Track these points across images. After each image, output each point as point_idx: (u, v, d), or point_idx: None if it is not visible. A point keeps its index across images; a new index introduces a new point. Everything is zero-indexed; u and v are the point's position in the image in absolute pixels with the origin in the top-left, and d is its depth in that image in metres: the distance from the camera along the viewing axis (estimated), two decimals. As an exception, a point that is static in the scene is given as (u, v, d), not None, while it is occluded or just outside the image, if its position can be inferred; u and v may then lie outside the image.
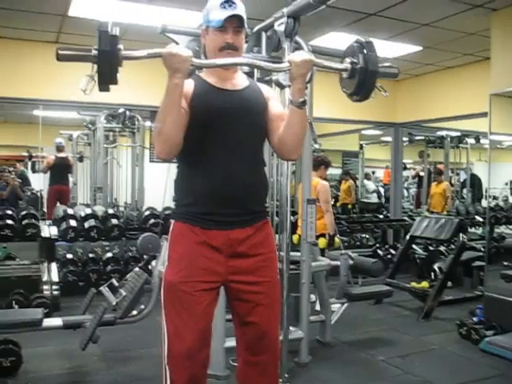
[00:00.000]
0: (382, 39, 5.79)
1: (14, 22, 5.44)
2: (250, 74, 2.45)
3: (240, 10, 2.02)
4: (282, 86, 3.34)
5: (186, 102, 1.98)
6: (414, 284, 5.83)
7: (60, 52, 1.85)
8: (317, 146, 2.63)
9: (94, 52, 1.80)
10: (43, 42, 5.99)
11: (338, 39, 5.67)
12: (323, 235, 5.24)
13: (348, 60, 2.14)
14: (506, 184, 10.44)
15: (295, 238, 4.61)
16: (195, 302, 2.01)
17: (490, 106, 4.71)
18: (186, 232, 2.06)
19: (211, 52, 2.09)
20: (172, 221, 2.14)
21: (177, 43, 3.60)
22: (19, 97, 5.91)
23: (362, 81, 2.10)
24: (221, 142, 2.03)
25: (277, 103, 2.22)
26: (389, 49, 6.11)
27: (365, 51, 2.09)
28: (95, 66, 1.81)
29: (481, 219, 7.94)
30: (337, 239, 5.34)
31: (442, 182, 9.27)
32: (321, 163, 5.69)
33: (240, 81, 2.17)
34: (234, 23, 2.02)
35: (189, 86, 2.00)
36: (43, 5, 4.93)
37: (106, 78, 1.83)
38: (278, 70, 2.09)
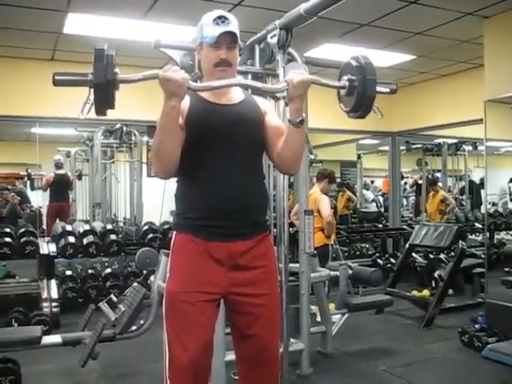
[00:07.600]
0: (376, 49, 5.81)
1: (9, 40, 5.46)
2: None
3: (233, 26, 2.02)
4: (276, 98, 3.35)
5: (182, 119, 1.98)
6: (414, 292, 5.81)
7: (56, 77, 1.85)
8: (312, 157, 2.63)
9: (91, 76, 1.79)
10: (39, 60, 6.02)
11: (333, 50, 5.67)
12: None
13: (345, 77, 2.13)
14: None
15: None
16: (197, 313, 1.99)
17: (485, 112, 4.72)
18: (187, 243, 2.06)
19: (206, 68, 2.10)
20: (174, 232, 2.14)
21: (172, 59, 3.62)
22: (16, 114, 5.92)
23: (360, 103, 2.12)
24: (219, 157, 2.03)
25: (274, 117, 2.22)
26: (383, 58, 6.13)
27: (364, 73, 2.09)
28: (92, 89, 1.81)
29: (480, 226, 7.93)
30: None
31: (438, 192, 9.05)
32: (325, 176, 5.70)
33: (235, 95, 2.16)
34: (228, 39, 2.02)
35: (184, 102, 1.98)
36: (38, 23, 4.95)
37: (104, 105, 1.84)
38: (275, 92, 2.09)
